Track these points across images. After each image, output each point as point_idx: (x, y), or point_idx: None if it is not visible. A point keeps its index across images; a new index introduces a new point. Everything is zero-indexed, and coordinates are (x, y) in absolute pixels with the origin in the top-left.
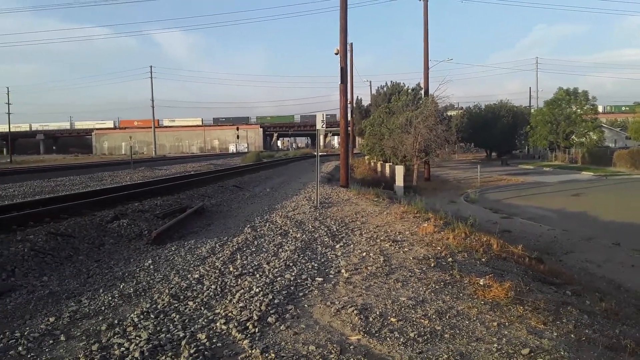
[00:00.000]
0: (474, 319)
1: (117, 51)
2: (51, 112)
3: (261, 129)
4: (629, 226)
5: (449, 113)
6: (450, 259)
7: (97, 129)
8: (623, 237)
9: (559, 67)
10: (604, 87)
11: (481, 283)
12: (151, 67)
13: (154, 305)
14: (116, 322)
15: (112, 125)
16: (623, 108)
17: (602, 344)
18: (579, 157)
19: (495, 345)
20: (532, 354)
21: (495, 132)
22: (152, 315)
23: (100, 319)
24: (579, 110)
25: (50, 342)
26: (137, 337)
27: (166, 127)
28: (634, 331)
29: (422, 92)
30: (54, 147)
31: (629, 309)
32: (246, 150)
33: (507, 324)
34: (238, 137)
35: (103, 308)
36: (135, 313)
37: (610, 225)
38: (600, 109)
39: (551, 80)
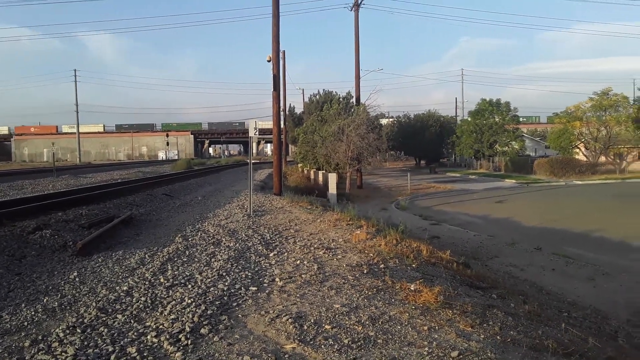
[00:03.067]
0: (406, 323)
1: (42, 53)
2: None
3: (192, 136)
4: (549, 231)
5: (379, 122)
6: (382, 265)
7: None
8: (544, 242)
9: (483, 79)
10: (525, 98)
11: (412, 288)
12: (75, 70)
13: (81, 320)
14: (40, 337)
15: (7, 132)
16: (529, 118)
17: (526, 345)
18: (502, 165)
19: (426, 349)
20: (461, 356)
21: (424, 141)
22: (78, 330)
23: (23, 334)
24: (501, 121)
25: None
26: (63, 353)
27: (65, 133)
28: (555, 332)
29: (354, 100)
30: None
31: (551, 311)
32: (176, 157)
33: (437, 327)
34: (168, 143)
35: (26, 323)
36: (60, 328)
37: (531, 230)
38: (521, 119)
39: (476, 91)
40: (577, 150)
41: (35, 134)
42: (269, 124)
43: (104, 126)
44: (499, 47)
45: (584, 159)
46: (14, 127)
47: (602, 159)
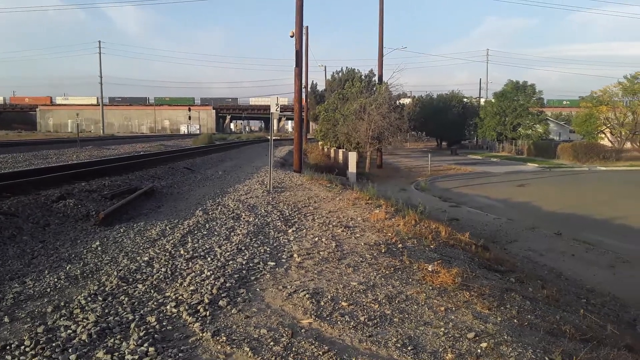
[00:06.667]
0: (423, 303)
1: (66, 24)
2: None
3: (214, 111)
4: (569, 217)
5: (401, 101)
6: (400, 245)
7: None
8: (564, 227)
9: (508, 60)
10: (550, 80)
11: (430, 269)
12: (100, 42)
13: (102, 288)
14: (62, 304)
15: (2, 102)
16: (565, 102)
17: (544, 329)
18: (525, 148)
19: (442, 329)
20: (477, 337)
21: (446, 122)
22: (100, 298)
23: (46, 300)
24: (525, 103)
25: None
26: (84, 320)
27: (59, 105)
28: (573, 317)
29: (376, 78)
30: None
31: (569, 296)
32: (198, 131)
33: (454, 309)
34: (190, 118)
35: (49, 290)
36: (82, 295)
37: (552, 215)
38: (545, 102)
39: (500, 73)
40: (603, 135)
41: (28, 104)
42: (290, 101)
43: (97, 99)
44: (526, 28)
45: (609, 144)
46: (9, 97)
47: (628, 145)
